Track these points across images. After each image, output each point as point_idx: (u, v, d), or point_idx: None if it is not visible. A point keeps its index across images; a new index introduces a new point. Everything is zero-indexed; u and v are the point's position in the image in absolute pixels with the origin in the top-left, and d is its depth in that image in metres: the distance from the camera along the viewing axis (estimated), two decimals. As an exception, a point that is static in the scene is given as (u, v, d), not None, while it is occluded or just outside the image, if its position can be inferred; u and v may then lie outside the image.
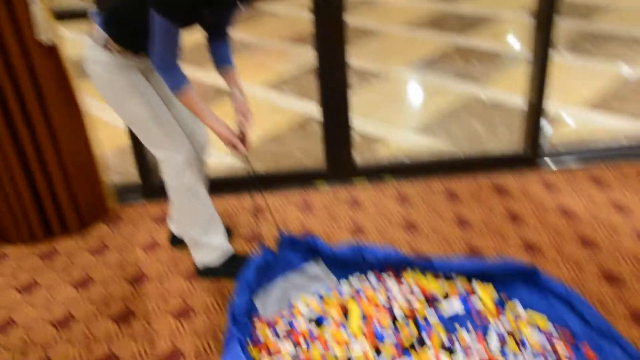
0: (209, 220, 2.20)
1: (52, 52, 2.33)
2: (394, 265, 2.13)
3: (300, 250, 2.20)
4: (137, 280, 2.33)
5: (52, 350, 2.02)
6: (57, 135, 2.44)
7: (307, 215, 2.63)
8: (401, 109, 3.86)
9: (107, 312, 2.17)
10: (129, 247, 2.53)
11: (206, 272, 2.29)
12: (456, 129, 3.37)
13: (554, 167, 2.81)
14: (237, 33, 5.32)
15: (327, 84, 2.66)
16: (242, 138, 2.01)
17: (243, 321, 1.92)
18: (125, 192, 2.87)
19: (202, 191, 2.17)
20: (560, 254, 2.25)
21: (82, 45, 1.94)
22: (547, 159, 2.84)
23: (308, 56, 4.64)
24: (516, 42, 4.73)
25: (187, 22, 1.80)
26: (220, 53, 2.05)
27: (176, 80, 1.87)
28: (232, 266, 2.25)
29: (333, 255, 2.16)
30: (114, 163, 3.21)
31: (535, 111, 2.74)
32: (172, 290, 2.26)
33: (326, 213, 2.63)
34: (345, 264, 2.17)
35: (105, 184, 2.70)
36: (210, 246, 2.23)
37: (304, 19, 5.63)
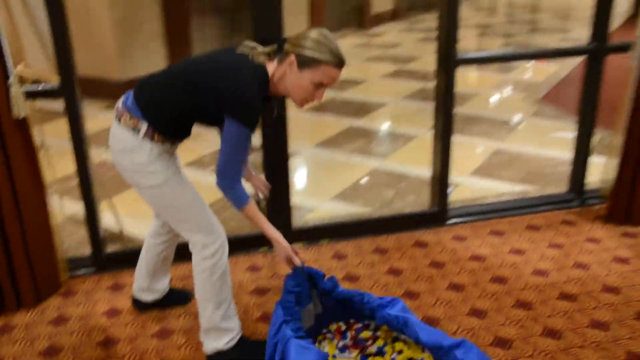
0: (230, 303, 2.23)
1: (22, 126, 2.49)
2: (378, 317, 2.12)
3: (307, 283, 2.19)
4: (107, 343, 2.43)
5: (38, 413, 2.08)
6: (21, 207, 2.55)
7: (258, 275, 2.89)
8: (318, 182, 4.28)
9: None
10: (90, 315, 2.62)
11: (217, 359, 2.25)
12: (369, 196, 3.84)
13: (459, 223, 3.32)
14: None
15: (270, 162, 3.00)
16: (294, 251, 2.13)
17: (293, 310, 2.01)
18: (74, 265, 2.95)
19: (228, 275, 2.21)
20: (480, 290, 2.71)
21: (117, 136, 2.03)
22: (453, 217, 3.36)
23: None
24: (398, 123, 5.41)
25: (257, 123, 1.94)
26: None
27: (241, 199, 2.00)
28: (241, 349, 2.27)
29: (334, 294, 2.18)
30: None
31: (442, 178, 3.27)
32: (145, 348, 2.39)
33: (273, 272, 2.91)
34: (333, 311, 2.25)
35: (60, 258, 2.79)
36: (228, 330, 2.23)
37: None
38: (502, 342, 2.36)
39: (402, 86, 6.65)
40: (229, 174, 1.96)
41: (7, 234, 2.54)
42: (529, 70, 7.58)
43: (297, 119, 5.51)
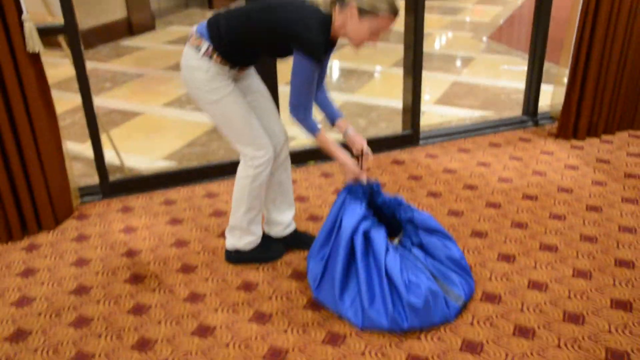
0: (259, 211, 2.51)
1: (35, 60, 2.65)
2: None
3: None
4: (131, 254, 2.69)
5: (83, 309, 2.34)
6: (37, 136, 2.73)
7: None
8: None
9: (117, 279, 2.52)
10: (108, 233, 2.86)
11: (235, 255, 2.58)
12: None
13: (430, 143, 3.69)
14: (118, 66, 5.63)
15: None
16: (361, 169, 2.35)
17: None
18: (83, 193, 3.16)
19: (265, 188, 2.48)
20: (455, 195, 3.10)
21: (184, 54, 2.25)
22: (424, 139, 3.73)
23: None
24: (359, 62, 5.71)
25: (322, 59, 2.14)
26: (329, 108, 2.42)
27: (312, 127, 2.22)
28: (257, 252, 2.59)
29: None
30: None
31: (414, 104, 3.62)
32: (168, 256, 2.67)
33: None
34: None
35: (72, 185, 2.99)
36: (251, 234, 2.53)
37: (166, 50, 6.13)
38: (478, 234, 2.76)
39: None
40: (300, 104, 2.16)
41: (25, 161, 2.73)
42: (471, 13, 7.97)
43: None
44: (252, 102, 2.41)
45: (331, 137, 2.32)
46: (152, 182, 3.27)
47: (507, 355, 2.05)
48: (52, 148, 2.81)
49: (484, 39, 6.45)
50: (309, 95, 2.17)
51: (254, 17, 2.18)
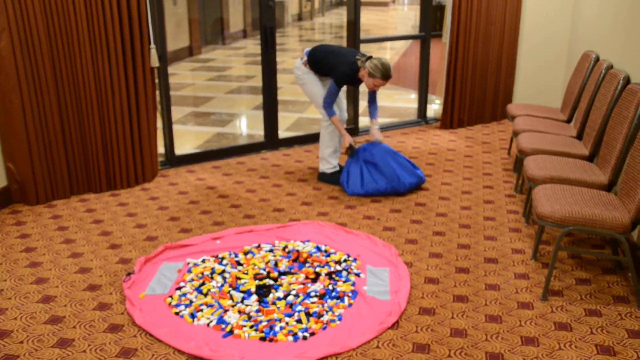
0: (335, 150, 4.52)
1: (152, 71, 4.40)
2: None
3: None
4: (210, 187, 4.44)
5: (203, 207, 4.06)
6: (149, 116, 4.42)
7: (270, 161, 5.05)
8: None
9: (211, 197, 4.25)
10: (187, 181, 4.57)
11: (322, 177, 4.55)
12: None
13: (360, 135, 5.78)
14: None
15: (266, 94, 5.18)
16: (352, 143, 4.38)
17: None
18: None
19: (337, 135, 4.47)
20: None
21: (296, 63, 4.44)
22: (361, 131, 5.80)
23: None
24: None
25: (343, 86, 4.24)
26: (372, 113, 4.45)
27: (330, 113, 4.27)
28: (335, 176, 4.50)
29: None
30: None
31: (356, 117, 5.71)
32: (235, 187, 4.44)
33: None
34: None
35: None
36: (330, 163, 4.52)
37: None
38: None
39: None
40: (327, 103, 4.26)
41: (141, 134, 4.41)
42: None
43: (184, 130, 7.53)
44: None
45: (340, 122, 4.36)
46: (200, 156, 5.03)
47: (437, 205, 4.11)
48: (152, 126, 4.52)
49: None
50: (333, 100, 4.24)
51: (327, 54, 4.27)
